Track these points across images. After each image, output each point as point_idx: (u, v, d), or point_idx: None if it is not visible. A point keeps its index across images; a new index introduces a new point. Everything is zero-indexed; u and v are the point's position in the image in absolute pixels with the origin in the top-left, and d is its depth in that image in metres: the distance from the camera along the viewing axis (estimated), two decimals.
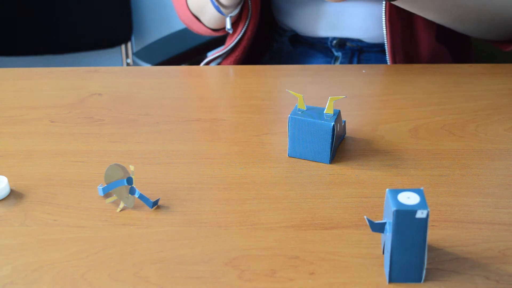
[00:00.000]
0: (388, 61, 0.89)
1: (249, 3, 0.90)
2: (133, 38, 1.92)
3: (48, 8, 1.72)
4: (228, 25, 0.88)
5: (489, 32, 0.88)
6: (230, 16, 0.88)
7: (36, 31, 1.75)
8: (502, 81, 0.81)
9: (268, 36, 1.04)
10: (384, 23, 0.85)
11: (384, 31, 0.86)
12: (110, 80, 0.83)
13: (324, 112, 0.63)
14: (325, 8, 0.92)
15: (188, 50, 1.25)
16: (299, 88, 0.80)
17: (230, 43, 0.95)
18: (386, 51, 0.87)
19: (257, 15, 0.92)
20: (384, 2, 0.84)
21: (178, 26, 1.84)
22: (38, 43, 1.77)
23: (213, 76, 0.87)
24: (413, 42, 0.89)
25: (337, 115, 0.63)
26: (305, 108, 0.64)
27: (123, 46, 1.87)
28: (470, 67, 0.84)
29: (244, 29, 0.92)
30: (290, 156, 0.65)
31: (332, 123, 0.61)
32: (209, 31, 0.97)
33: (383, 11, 0.85)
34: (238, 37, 0.93)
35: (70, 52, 1.84)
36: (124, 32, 1.82)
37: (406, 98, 0.77)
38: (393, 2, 0.76)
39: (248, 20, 0.92)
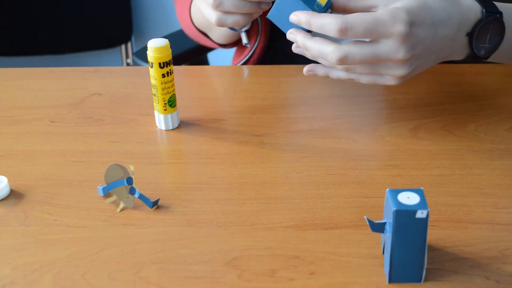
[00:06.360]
0: None
1: (259, 20, 0.87)
2: (133, 38, 1.91)
3: (48, 8, 1.72)
4: (245, 40, 0.85)
5: None
6: (245, 31, 0.85)
7: (36, 31, 1.74)
8: (502, 81, 0.81)
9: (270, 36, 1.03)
10: None
11: None
12: (110, 80, 0.83)
13: (317, 0, 0.62)
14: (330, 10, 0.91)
15: (188, 50, 1.24)
16: (299, 88, 0.80)
17: (241, 59, 0.92)
18: None
19: (267, 27, 0.89)
20: None
21: (178, 26, 1.84)
22: (38, 43, 1.77)
23: (213, 76, 0.87)
24: None
25: (327, 8, 0.62)
26: None
27: (123, 46, 1.87)
28: (470, 67, 0.84)
29: (256, 45, 0.90)
30: (269, 18, 0.63)
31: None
32: (217, 46, 0.95)
33: None
34: (250, 53, 0.91)
35: (70, 52, 1.84)
36: (124, 32, 1.82)
37: (406, 98, 0.76)
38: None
39: (259, 36, 0.90)
